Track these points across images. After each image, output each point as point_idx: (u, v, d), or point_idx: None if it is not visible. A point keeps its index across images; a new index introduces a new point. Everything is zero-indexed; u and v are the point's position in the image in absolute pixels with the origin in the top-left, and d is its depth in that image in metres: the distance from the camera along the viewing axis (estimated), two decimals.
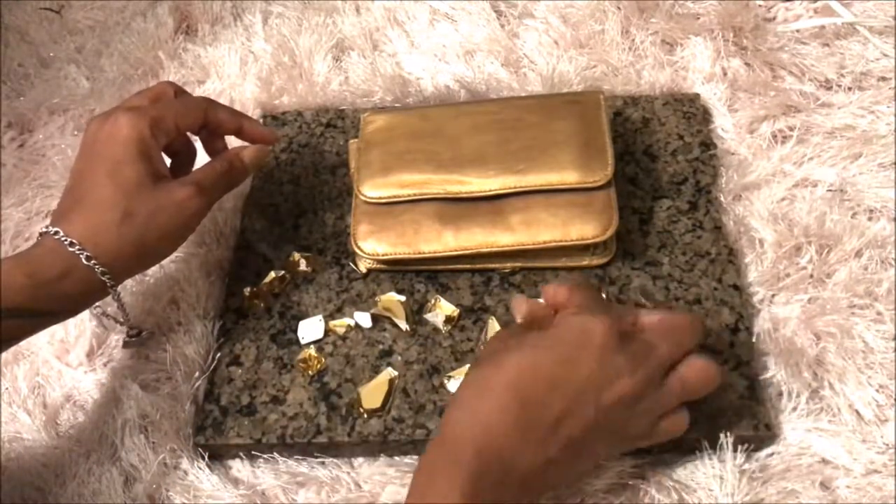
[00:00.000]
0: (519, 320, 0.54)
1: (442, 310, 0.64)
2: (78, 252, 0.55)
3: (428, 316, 0.64)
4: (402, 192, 0.65)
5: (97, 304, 0.61)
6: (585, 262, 0.65)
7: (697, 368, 0.52)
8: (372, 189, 0.66)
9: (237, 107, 0.80)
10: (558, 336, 0.50)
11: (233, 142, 0.66)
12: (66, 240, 0.55)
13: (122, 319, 0.63)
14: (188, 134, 0.65)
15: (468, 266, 0.66)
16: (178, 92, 0.64)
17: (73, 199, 0.58)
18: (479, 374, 0.51)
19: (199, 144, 0.67)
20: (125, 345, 0.66)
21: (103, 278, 0.56)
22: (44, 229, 0.56)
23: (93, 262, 0.55)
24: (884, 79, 0.75)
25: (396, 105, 0.80)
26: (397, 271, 0.67)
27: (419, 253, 0.64)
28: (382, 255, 0.65)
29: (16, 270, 0.54)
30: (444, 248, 0.64)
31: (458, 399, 0.50)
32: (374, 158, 0.67)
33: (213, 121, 0.63)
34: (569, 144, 0.64)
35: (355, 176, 0.67)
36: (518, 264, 0.66)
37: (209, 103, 0.64)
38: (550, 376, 0.49)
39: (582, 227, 0.63)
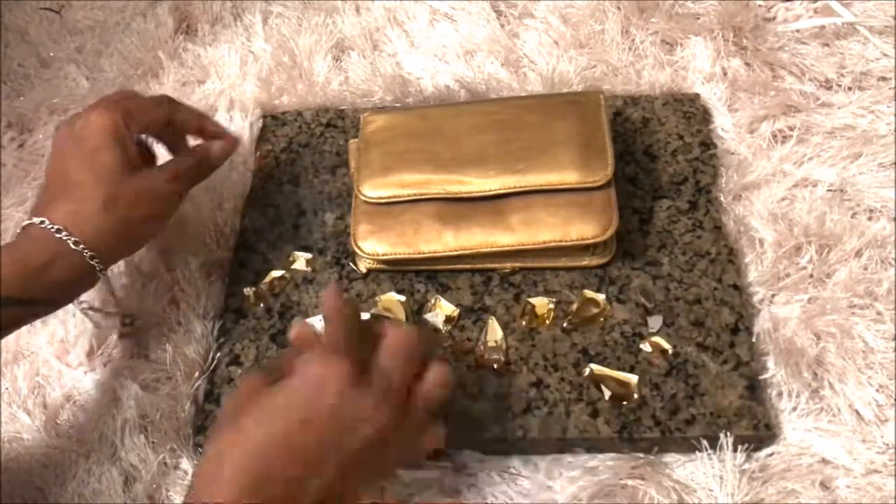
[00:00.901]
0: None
1: (442, 310, 0.64)
2: (65, 238, 0.55)
3: (428, 316, 0.64)
4: (402, 192, 0.65)
5: (83, 300, 0.61)
6: (585, 261, 0.65)
7: (431, 380, 0.52)
8: (372, 189, 0.66)
9: (237, 107, 0.80)
10: (293, 393, 0.49)
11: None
12: (52, 227, 0.56)
13: (112, 309, 0.64)
14: (149, 141, 0.66)
15: (468, 266, 0.66)
16: (140, 97, 0.65)
17: (52, 191, 0.59)
18: (219, 442, 0.48)
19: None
20: (121, 336, 0.66)
21: (92, 262, 0.57)
22: (27, 221, 0.57)
23: (80, 246, 0.56)
24: (884, 79, 0.75)
25: (396, 105, 0.80)
26: (397, 271, 0.67)
27: (419, 253, 0.64)
28: (382, 255, 0.65)
29: (6, 260, 0.54)
30: (444, 248, 0.64)
31: (200, 471, 0.48)
32: (374, 158, 0.67)
33: (177, 117, 0.65)
34: (569, 144, 0.64)
35: (355, 176, 0.67)
36: (518, 264, 0.66)
37: (171, 100, 0.65)
38: (288, 445, 0.47)
39: (582, 227, 0.63)
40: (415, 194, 0.65)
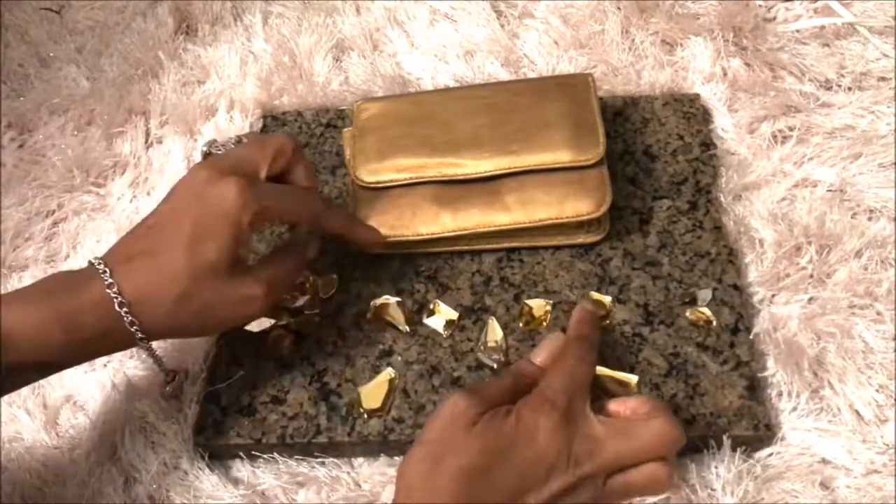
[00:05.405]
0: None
1: (442, 314, 0.64)
2: (124, 314, 0.52)
3: (428, 321, 0.64)
4: (399, 177, 0.66)
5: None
6: (580, 239, 0.66)
7: (646, 473, 0.51)
8: (369, 174, 0.66)
9: (237, 107, 0.80)
10: (508, 435, 0.50)
11: None
12: (116, 297, 0.52)
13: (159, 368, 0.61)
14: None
15: (466, 247, 0.67)
16: (296, 150, 0.60)
17: (143, 246, 0.54)
18: (434, 451, 0.50)
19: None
20: (164, 396, 0.63)
21: (139, 341, 0.54)
22: (96, 263, 0.53)
23: (135, 328, 0.53)
24: (884, 79, 0.75)
25: None
26: (398, 253, 0.67)
27: (418, 235, 0.65)
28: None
29: (55, 327, 0.51)
30: (442, 230, 0.65)
31: (411, 474, 0.50)
32: (369, 144, 0.68)
33: (325, 227, 0.62)
34: (560, 124, 0.65)
35: (351, 163, 0.68)
36: (515, 244, 0.66)
37: (321, 211, 0.61)
38: (497, 474, 0.49)
39: (577, 205, 0.64)
40: (411, 178, 0.66)
